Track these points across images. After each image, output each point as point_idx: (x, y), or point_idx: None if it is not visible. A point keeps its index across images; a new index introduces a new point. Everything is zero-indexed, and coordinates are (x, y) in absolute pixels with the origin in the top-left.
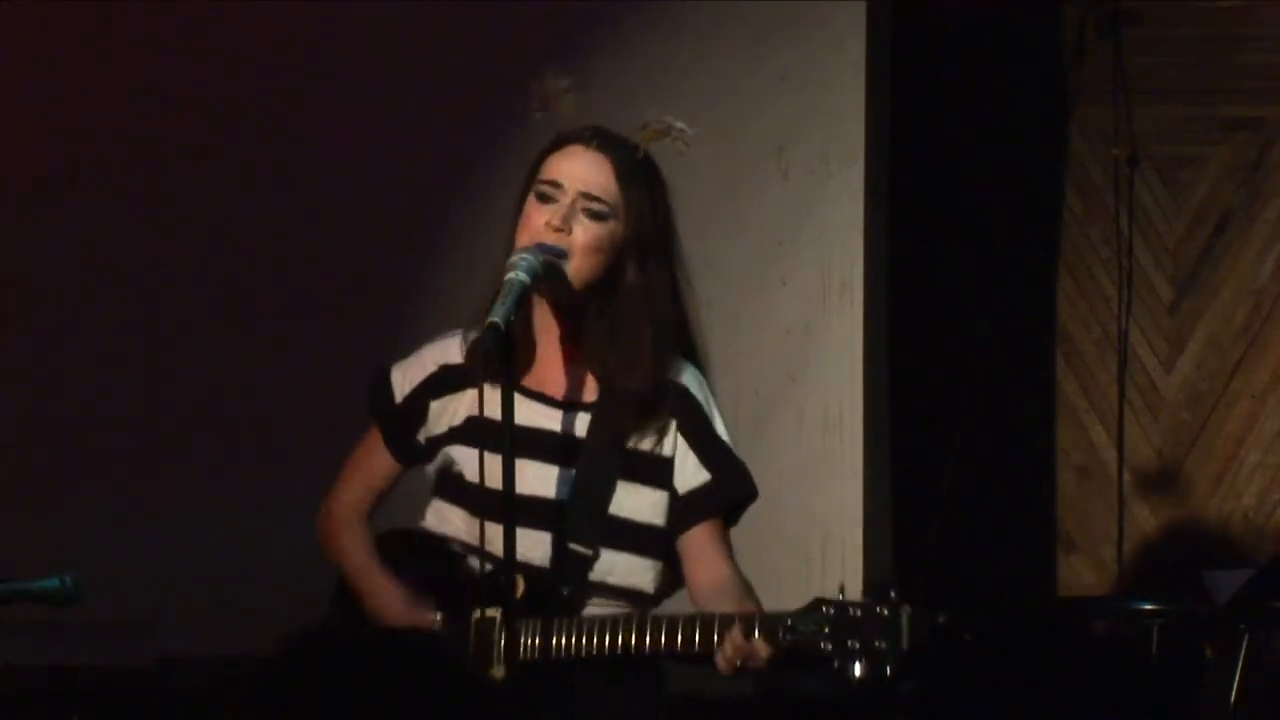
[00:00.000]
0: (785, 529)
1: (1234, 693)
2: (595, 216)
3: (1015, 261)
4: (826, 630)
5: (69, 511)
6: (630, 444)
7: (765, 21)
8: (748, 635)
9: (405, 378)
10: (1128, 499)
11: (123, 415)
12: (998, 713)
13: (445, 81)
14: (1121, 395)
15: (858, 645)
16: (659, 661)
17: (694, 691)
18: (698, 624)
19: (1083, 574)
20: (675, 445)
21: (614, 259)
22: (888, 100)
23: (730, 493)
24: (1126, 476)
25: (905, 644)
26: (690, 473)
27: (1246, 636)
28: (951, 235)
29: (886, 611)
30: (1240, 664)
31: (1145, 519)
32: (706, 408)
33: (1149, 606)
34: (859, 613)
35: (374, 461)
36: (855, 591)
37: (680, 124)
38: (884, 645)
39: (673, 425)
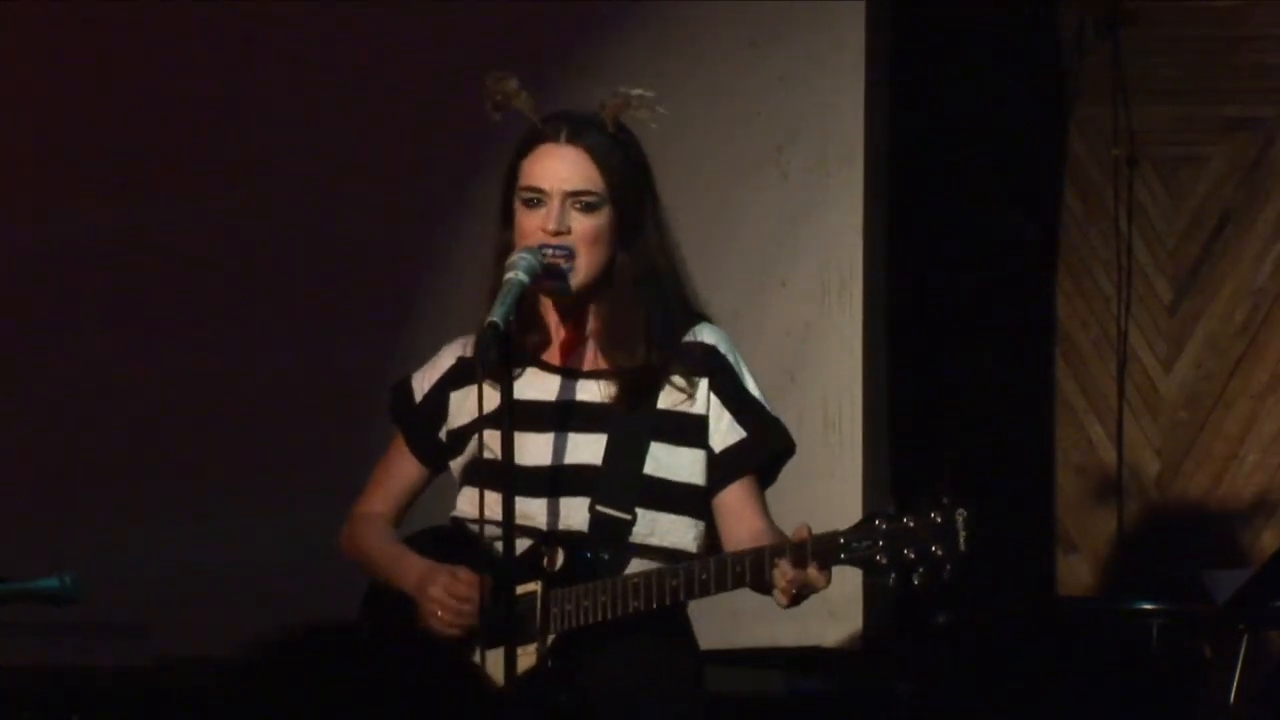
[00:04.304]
0: (784, 529)
1: (1234, 693)
2: (588, 209)
3: (1015, 261)
4: (881, 544)
5: (69, 511)
6: (662, 405)
7: (765, 21)
8: (799, 564)
9: (424, 378)
10: (1127, 499)
11: (122, 415)
12: (998, 713)
13: (446, 82)
14: (1121, 395)
15: (914, 555)
16: (698, 661)
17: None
18: (747, 559)
19: (1082, 574)
20: (708, 404)
21: (615, 240)
22: (887, 100)
23: (767, 448)
24: (1126, 476)
25: (963, 546)
26: (725, 431)
27: (1246, 636)
28: (950, 235)
29: (940, 518)
30: (1240, 664)
31: (1145, 519)
32: (735, 365)
33: (1149, 606)
34: (912, 522)
35: (398, 468)
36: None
37: (638, 90)
38: (940, 551)
39: (704, 384)
